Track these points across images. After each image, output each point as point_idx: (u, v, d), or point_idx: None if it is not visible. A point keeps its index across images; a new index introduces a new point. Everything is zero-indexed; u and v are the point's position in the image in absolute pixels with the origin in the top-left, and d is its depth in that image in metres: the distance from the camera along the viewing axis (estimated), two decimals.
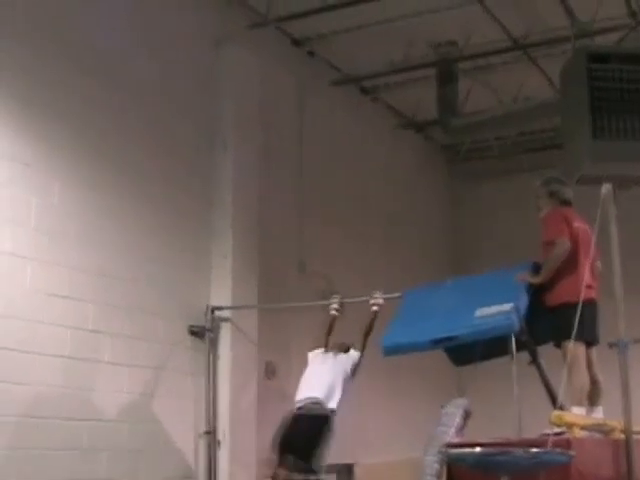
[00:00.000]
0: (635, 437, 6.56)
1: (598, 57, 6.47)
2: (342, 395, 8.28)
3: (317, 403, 8.10)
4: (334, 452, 11.08)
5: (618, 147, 6.31)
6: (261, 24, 10.90)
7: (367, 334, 8.58)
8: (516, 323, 7.68)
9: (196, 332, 9.68)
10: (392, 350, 8.52)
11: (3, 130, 7.76)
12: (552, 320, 7.91)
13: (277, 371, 10.73)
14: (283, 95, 11.45)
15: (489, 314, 7.87)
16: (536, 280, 8.05)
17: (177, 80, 9.78)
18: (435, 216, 15.77)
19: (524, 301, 7.92)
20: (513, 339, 7.72)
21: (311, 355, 8.64)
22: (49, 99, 8.18)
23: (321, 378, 8.30)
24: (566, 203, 8.30)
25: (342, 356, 8.49)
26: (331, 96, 12.57)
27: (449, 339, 8.23)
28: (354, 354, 8.52)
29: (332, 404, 8.18)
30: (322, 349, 8.59)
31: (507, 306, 7.78)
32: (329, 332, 8.72)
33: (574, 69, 6.63)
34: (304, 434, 8.03)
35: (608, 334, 7.43)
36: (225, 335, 9.85)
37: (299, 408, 8.11)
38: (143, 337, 8.95)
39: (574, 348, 7.34)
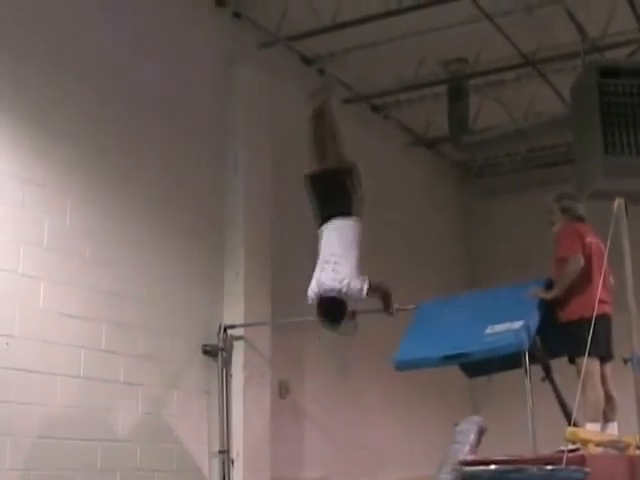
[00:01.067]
0: None
1: (609, 72, 6.46)
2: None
3: None
4: (348, 470, 11.09)
5: (630, 162, 6.28)
6: (271, 43, 10.93)
7: (381, 291, 7.89)
8: (525, 341, 7.69)
9: (209, 351, 9.67)
10: (404, 365, 8.55)
11: (16, 151, 7.79)
12: (566, 335, 7.91)
13: (290, 389, 10.72)
14: (294, 114, 11.43)
15: (499, 331, 7.87)
16: (548, 296, 8.05)
17: (188, 100, 9.81)
18: (447, 232, 15.74)
19: (535, 318, 7.92)
20: (527, 355, 7.72)
21: None
22: (62, 121, 8.21)
23: None
24: (578, 219, 8.31)
25: None
26: (342, 114, 12.52)
27: (460, 356, 8.24)
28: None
29: None
30: None
31: (517, 324, 7.79)
32: None
33: (585, 84, 6.62)
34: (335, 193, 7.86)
35: (622, 349, 7.41)
36: (238, 354, 9.83)
37: None
38: (157, 357, 8.96)
39: (588, 364, 7.32)
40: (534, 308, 8.01)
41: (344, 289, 7.36)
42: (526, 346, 7.68)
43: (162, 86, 9.44)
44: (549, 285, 8.17)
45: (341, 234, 7.65)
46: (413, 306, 9.08)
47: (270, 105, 10.66)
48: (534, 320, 7.90)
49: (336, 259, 7.47)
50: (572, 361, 7.90)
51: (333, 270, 7.43)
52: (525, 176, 15.25)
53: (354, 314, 8.95)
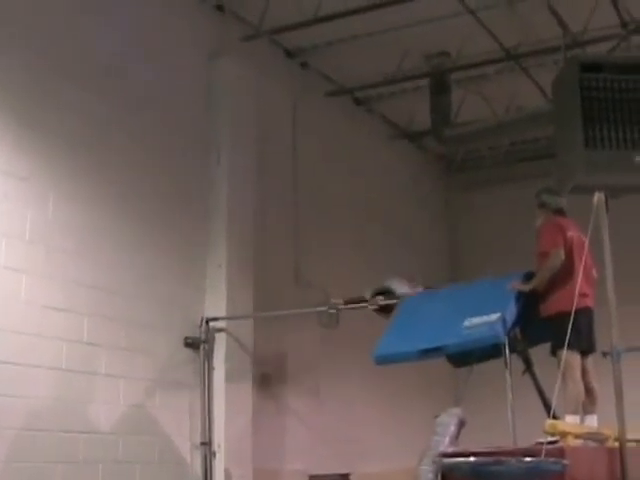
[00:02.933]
0: (629, 445, 6.57)
1: (590, 67, 6.46)
2: None
3: None
4: (330, 462, 11.12)
5: (610, 157, 6.29)
6: (254, 36, 10.94)
7: None
8: (500, 334, 7.70)
9: (191, 344, 9.68)
10: (383, 359, 8.54)
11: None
12: (548, 328, 7.93)
13: (272, 382, 10.74)
14: (277, 106, 11.48)
15: (476, 324, 7.89)
16: (526, 287, 8.08)
17: (171, 93, 9.80)
18: (431, 225, 15.78)
19: (512, 311, 7.93)
20: (507, 348, 7.74)
21: None
22: (45, 114, 8.21)
23: None
24: (559, 212, 8.34)
25: None
26: (325, 107, 12.60)
27: (437, 349, 8.25)
28: None
29: None
30: None
31: (493, 317, 7.80)
32: None
33: (566, 79, 6.63)
34: None
35: (602, 342, 7.44)
36: (220, 346, 9.84)
37: None
38: (139, 349, 8.96)
39: (569, 356, 7.36)
40: (511, 301, 8.02)
41: None
42: (502, 339, 7.70)
43: (146, 79, 9.43)
44: (529, 278, 8.20)
45: None
46: (396, 300, 9.08)
47: (253, 97, 10.66)
48: (511, 313, 7.91)
49: None
50: (554, 353, 7.92)
51: None
52: (507, 169, 15.33)
53: (337, 307, 9.03)
